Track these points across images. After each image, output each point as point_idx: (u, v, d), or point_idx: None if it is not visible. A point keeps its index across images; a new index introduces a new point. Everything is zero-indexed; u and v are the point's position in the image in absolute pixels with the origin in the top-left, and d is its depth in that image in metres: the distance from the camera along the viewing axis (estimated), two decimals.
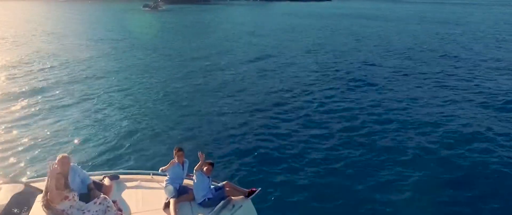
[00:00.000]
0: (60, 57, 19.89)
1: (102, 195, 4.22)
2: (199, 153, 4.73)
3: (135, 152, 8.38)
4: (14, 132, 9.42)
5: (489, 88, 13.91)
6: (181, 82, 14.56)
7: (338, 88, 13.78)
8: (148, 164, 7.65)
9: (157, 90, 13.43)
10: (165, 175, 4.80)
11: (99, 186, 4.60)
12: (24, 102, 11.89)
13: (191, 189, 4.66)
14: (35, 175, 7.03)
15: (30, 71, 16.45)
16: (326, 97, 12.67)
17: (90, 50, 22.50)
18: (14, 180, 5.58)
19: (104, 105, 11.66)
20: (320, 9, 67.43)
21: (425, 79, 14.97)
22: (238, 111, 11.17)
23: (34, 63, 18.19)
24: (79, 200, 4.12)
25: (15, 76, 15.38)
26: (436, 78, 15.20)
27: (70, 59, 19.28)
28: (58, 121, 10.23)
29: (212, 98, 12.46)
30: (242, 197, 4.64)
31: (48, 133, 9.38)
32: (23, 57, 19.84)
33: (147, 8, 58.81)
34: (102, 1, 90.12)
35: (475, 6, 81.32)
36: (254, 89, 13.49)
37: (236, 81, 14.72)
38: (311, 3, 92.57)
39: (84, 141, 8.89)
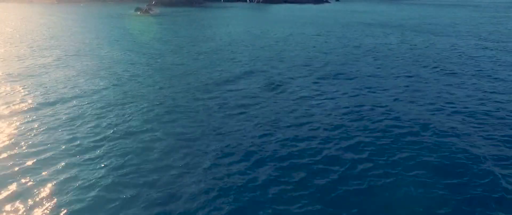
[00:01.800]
0: (42, 61, 19.95)
1: None
2: None
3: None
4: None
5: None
6: (169, 94, 13.83)
7: (335, 96, 13.02)
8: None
9: (143, 100, 13.13)
10: None
11: None
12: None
13: None
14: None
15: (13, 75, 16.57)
16: (327, 108, 12.36)
17: (75, 54, 22.40)
18: None
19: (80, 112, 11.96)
20: (319, 12, 65.50)
21: (432, 90, 13.36)
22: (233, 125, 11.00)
23: (17, 67, 18.32)
24: None
25: None
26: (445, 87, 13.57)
27: (53, 63, 19.57)
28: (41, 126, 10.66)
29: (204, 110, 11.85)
30: None
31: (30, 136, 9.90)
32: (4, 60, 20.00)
33: (138, 12, 56.75)
34: (95, 4, 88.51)
35: (479, 9, 79.56)
36: (250, 103, 12.54)
37: (230, 92, 13.73)
38: (309, 5, 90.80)
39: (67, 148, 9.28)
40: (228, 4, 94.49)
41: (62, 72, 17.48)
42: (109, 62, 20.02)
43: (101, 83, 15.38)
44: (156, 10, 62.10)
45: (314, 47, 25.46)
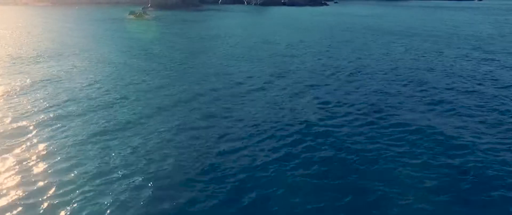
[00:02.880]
0: (22, 68, 19.81)
1: None
2: None
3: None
4: None
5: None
6: (159, 107, 13.21)
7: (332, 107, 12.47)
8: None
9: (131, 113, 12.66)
10: None
11: None
12: None
13: None
14: None
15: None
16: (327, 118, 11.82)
17: (59, 61, 21.97)
18: None
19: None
20: (317, 15, 64.32)
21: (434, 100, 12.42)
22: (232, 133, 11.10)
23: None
24: None
25: None
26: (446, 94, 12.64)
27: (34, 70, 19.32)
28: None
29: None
30: None
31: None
32: None
33: (131, 16, 55.36)
34: (89, 7, 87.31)
35: (480, 12, 78.52)
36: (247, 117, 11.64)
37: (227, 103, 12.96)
38: (307, 8, 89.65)
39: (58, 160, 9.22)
40: (225, 6, 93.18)
41: (39, 75, 17.71)
42: (91, 69, 19.30)
43: (81, 90, 15.09)
44: (151, 14, 60.77)
45: (312, 57, 24.23)
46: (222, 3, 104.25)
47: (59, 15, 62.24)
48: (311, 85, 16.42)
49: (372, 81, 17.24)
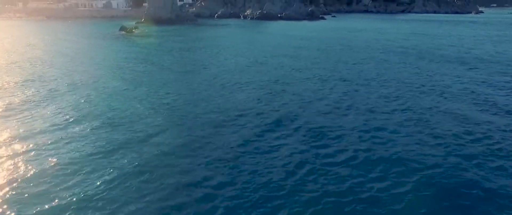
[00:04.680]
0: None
1: None
2: None
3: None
4: None
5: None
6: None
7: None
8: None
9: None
10: None
11: None
12: None
13: None
14: None
15: None
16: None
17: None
18: None
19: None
20: (315, 31, 62.89)
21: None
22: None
23: None
24: None
25: None
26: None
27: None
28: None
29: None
30: None
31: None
32: None
33: (123, 32, 53.60)
34: (82, 21, 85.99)
35: (479, 26, 77.52)
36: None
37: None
38: (305, 22, 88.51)
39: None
40: (221, 21, 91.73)
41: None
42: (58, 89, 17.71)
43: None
44: (143, 29, 59.12)
45: (310, 83, 22.33)
46: (218, 17, 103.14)
47: (48, 30, 60.68)
48: (306, 112, 14.51)
49: (369, 104, 15.34)
